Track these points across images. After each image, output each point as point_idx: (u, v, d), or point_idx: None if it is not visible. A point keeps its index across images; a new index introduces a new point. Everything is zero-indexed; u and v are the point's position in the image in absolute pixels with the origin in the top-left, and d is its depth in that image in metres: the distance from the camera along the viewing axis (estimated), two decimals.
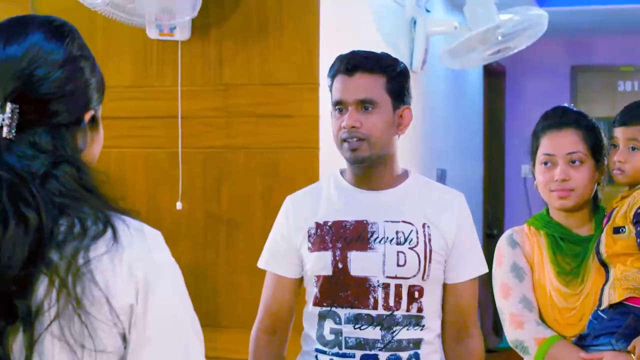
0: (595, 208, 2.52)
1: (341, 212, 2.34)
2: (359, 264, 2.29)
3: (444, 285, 2.38)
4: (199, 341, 1.41)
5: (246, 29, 3.45)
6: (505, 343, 2.65)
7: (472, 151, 6.56)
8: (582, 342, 2.37)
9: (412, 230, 2.31)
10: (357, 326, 2.28)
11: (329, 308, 2.31)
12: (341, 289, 2.29)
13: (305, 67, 3.38)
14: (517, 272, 2.48)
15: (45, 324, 1.30)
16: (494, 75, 7.30)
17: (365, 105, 2.29)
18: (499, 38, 4.24)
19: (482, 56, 4.45)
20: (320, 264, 2.31)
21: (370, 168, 2.34)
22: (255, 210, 3.44)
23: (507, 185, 7.54)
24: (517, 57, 5.04)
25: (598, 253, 2.39)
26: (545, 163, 2.48)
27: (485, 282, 2.73)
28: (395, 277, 2.28)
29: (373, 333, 2.27)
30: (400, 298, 2.28)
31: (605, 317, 2.34)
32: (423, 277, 2.30)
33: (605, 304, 2.34)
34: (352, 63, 2.30)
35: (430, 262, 2.30)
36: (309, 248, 2.34)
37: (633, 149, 2.42)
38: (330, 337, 2.31)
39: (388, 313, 2.28)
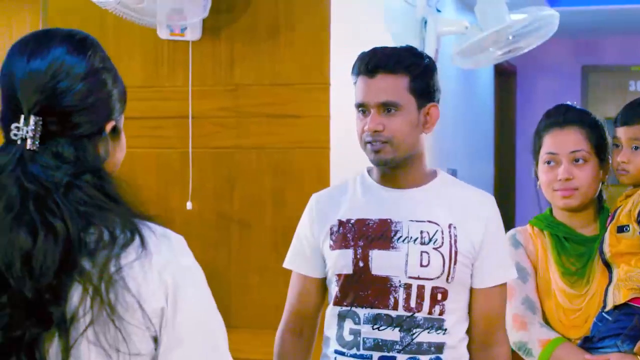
0: (600, 208, 2.49)
1: (365, 210, 2.28)
2: (381, 262, 2.21)
3: (471, 290, 2.28)
4: (225, 339, 1.47)
5: (257, 29, 3.46)
6: None
7: (483, 151, 6.54)
8: (587, 344, 2.35)
9: (437, 231, 2.22)
10: (375, 326, 2.20)
11: (348, 308, 2.24)
12: (361, 288, 2.22)
13: (316, 67, 3.37)
14: (520, 272, 2.42)
15: (80, 330, 1.35)
16: (504, 74, 7.29)
17: (387, 107, 2.22)
18: (510, 38, 4.22)
19: (493, 56, 4.44)
20: (341, 262, 2.25)
21: (396, 168, 2.27)
22: (266, 210, 3.44)
23: (518, 185, 7.52)
24: (528, 57, 5.03)
25: (602, 252, 2.36)
26: (549, 162, 2.46)
27: None
28: (418, 278, 2.20)
29: (392, 334, 2.19)
30: (423, 300, 2.20)
31: (610, 318, 2.32)
32: (447, 279, 2.21)
33: (609, 306, 2.32)
34: (373, 63, 2.23)
35: (455, 263, 2.21)
36: (330, 246, 2.28)
37: (636, 148, 2.40)
38: (349, 337, 2.24)
39: (408, 314, 2.20)
